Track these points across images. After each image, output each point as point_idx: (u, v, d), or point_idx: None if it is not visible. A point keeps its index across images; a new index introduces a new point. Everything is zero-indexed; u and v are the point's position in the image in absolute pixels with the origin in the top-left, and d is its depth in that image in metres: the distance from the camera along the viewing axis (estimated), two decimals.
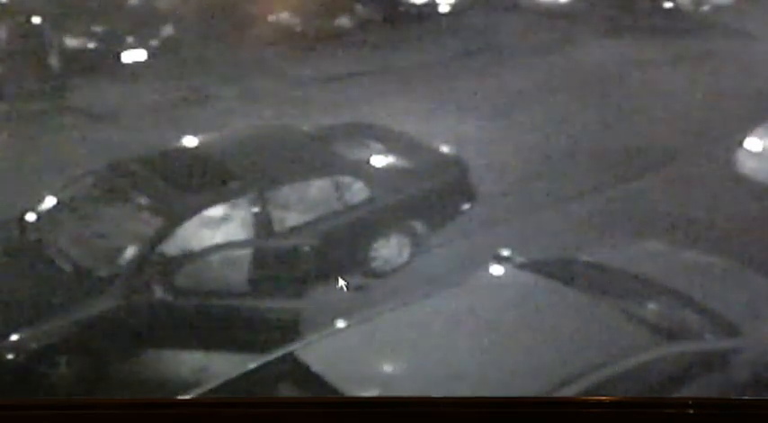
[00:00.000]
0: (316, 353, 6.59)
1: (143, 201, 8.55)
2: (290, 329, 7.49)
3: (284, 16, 18.33)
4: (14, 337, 7.55)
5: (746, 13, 17.98)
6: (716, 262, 8.27)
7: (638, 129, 12.76)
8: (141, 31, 16.34)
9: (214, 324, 7.83)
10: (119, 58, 15.76)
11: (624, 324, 6.84)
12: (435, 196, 9.56)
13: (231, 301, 7.95)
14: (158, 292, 7.74)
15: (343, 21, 18.70)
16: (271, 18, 18.27)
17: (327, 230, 8.76)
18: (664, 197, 10.77)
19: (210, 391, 6.33)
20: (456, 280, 7.81)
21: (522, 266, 7.76)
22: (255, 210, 8.54)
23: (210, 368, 7.64)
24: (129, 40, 16.03)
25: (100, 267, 7.95)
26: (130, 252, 8.00)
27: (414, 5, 19.90)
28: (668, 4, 19.79)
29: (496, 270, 7.74)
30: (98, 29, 16.18)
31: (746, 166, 10.98)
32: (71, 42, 15.71)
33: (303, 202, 8.83)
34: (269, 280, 8.07)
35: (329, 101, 13.87)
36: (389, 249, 9.27)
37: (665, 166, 11.69)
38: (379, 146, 10.00)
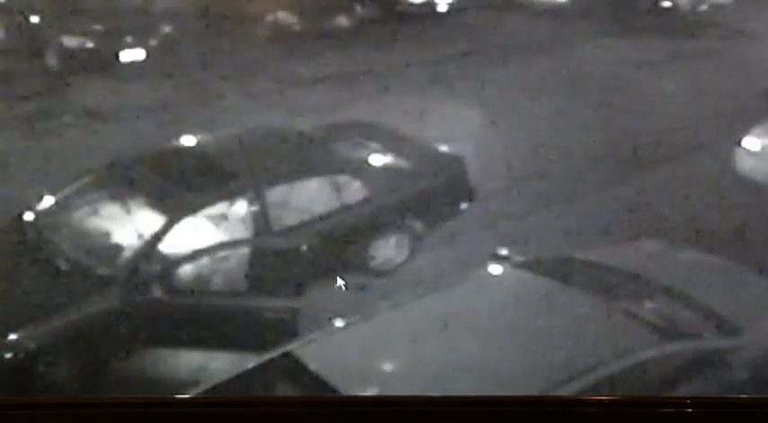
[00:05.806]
0: (314, 352, 6.58)
1: (142, 200, 8.55)
2: (289, 328, 7.48)
3: (283, 16, 18.34)
4: (14, 337, 7.54)
5: (746, 12, 18.00)
6: (716, 262, 8.26)
7: (638, 129, 12.75)
8: (140, 31, 16.34)
9: (213, 323, 7.82)
10: (117, 57, 15.76)
11: (623, 323, 6.84)
12: (434, 195, 9.56)
13: (230, 301, 7.96)
14: (157, 292, 7.74)
15: (342, 20, 18.71)
16: (269, 18, 18.28)
17: (326, 230, 8.76)
18: (663, 197, 10.76)
19: (209, 390, 6.32)
20: (455, 279, 7.81)
21: (521, 266, 7.76)
22: (254, 209, 8.55)
23: (209, 367, 7.62)
24: (128, 39, 16.03)
25: (99, 266, 7.94)
26: (130, 251, 8.00)
27: (412, 5, 19.91)
28: (667, 4, 19.81)
29: (495, 269, 7.74)
30: (97, 28, 16.18)
31: (745, 165, 10.98)
32: (70, 42, 15.71)
33: (301, 202, 8.82)
34: (267, 279, 8.06)
35: (327, 100, 13.86)
36: (388, 249, 9.26)
37: (665, 165, 11.69)
38: (377, 145, 10.00)
